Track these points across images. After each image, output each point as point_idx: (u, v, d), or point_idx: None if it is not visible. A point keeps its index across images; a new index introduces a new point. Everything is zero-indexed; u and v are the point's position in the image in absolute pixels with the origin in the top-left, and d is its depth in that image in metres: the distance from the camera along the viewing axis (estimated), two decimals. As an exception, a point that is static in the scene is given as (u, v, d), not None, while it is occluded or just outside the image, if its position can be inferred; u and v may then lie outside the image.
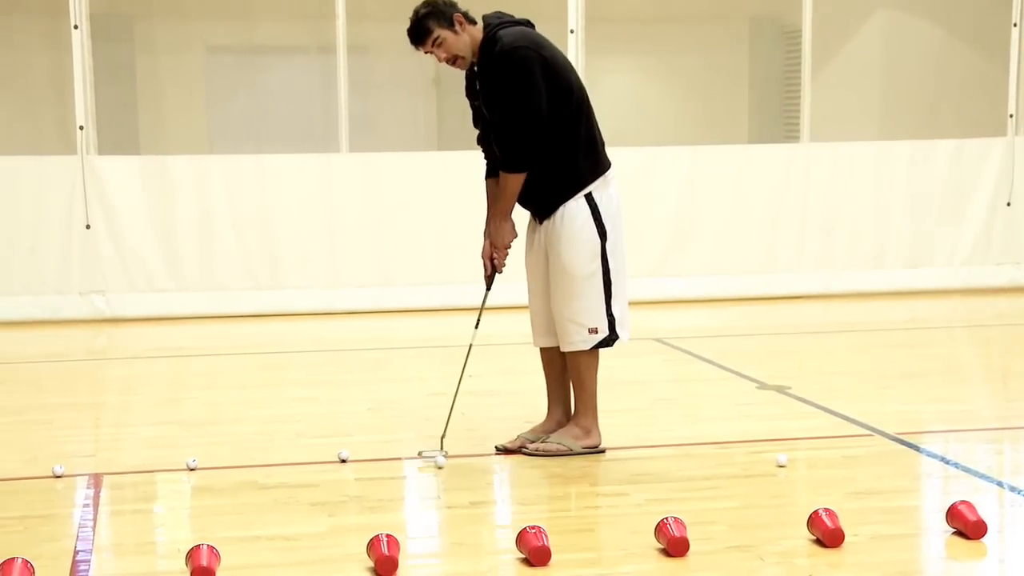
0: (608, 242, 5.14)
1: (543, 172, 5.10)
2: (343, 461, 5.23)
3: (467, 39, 5.12)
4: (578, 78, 5.21)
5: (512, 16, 5.23)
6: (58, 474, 5.05)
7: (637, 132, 10.90)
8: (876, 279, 10.36)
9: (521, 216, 5.25)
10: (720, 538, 4.18)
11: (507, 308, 6.53)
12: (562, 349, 5.26)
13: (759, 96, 11.47)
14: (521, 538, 3.99)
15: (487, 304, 5.38)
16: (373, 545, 3.91)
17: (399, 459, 5.29)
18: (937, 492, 4.87)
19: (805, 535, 4.15)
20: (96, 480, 5.04)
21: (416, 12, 5.14)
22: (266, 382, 7.23)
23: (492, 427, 5.32)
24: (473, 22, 5.16)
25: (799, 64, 10.31)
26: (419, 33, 5.12)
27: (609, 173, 5.21)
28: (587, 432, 5.30)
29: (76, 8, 9.17)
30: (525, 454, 5.27)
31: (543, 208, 5.19)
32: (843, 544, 4.06)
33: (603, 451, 5.31)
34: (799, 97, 10.33)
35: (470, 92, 5.28)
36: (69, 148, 9.39)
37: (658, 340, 8.31)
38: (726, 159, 10.25)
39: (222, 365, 7.88)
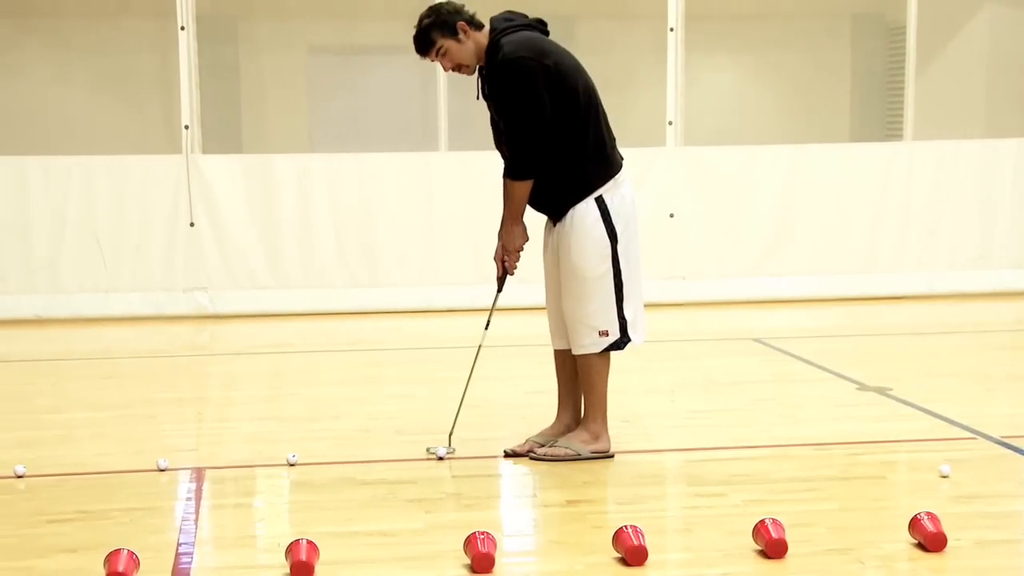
0: (619, 244, 5.06)
1: (551, 176, 5.04)
2: (440, 458, 5.27)
3: (471, 47, 5.04)
4: (587, 79, 5.08)
5: (524, 16, 5.13)
6: (162, 468, 5.14)
7: (738, 130, 10.83)
8: (980, 279, 10.18)
9: (537, 217, 5.22)
10: (819, 540, 4.14)
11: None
12: (573, 351, 5.20)
13: (861, 93, 11.31)
14: (618, 537, 3.99)
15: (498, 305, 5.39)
16: (470, 542, 3.93)
17: (496, 457, 5.31)
18: (1043, 497, 4.79)
19: (906, 539, 4.10)
20: (198, 474, 5.12)
21: (420, 21, 5.04)
22: (365, 379, 7.29)
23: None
24: (480, 27, 5.06)
25: (903, 61, 10.16)
26: (423, 44, 5.05)
27: (620, 175, 5.11)
28: (596, 437, 5.22)
29: (183, 10, 9.34)
30: (532, 458, 5.22)
31: (554, 211, 5.15)
32: (946, 549, 4.00)
33: (612, 456, 5.23)
34: (902, 94, 10.18)
35: (482, 94, 5.20)
36: (175, 147, 9.56)
37: (757, 340, 8.25)
38: (827, 157, 10.14)
39: (322, 361, 7.96)
